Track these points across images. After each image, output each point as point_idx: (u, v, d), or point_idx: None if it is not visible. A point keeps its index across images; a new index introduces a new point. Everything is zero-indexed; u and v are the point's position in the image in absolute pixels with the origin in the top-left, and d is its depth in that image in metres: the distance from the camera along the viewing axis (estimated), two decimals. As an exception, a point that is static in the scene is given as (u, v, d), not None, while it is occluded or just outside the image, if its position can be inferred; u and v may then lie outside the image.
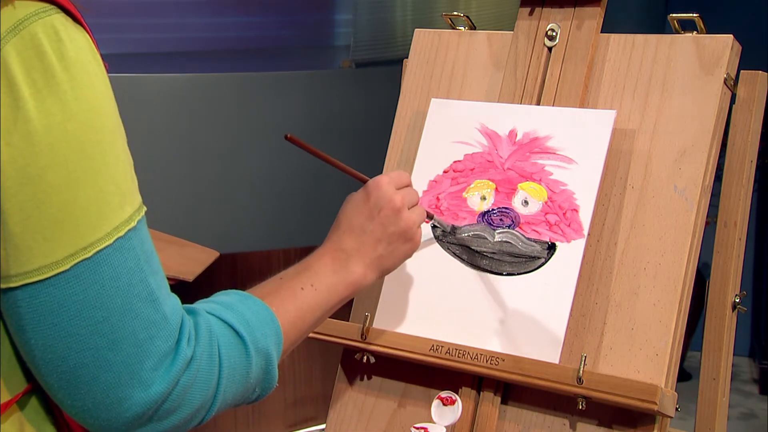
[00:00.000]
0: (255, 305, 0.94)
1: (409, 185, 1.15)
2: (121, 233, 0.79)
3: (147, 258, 0.82)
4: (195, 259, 1.52)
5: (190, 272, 1.45)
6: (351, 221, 1.09)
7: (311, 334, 1.33)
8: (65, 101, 0.76)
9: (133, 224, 0.80)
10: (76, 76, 0.77)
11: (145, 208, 0.84)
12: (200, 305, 0.92)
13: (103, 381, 0.79)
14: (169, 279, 1.41)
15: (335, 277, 1.06)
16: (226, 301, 0.93)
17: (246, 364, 0.89)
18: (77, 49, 0.78)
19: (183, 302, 0.88)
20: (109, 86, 0.82)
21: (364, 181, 1.13)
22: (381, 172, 1.41)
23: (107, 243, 0.78)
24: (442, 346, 1.24)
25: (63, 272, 0.77)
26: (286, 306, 0.99)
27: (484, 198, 1.28)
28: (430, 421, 1.23)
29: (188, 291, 0.97)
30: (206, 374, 0.85)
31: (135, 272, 0.80)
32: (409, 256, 1.14)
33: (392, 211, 1.09)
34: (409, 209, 1.12)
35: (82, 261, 0.77)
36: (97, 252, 0.77)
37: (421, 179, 1.33)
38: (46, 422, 0.85)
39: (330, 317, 1.32)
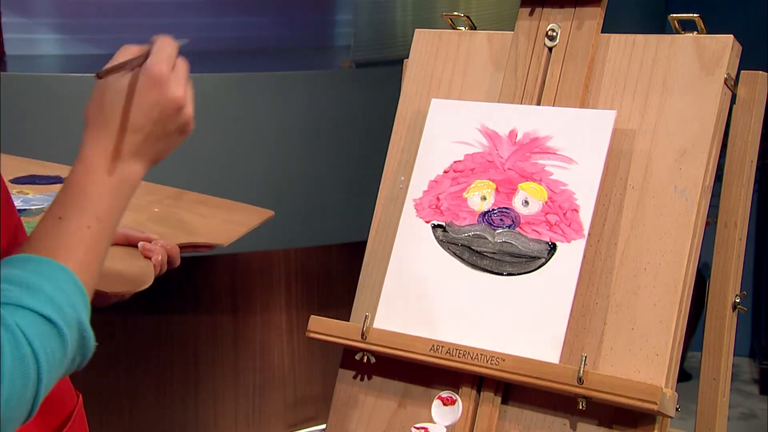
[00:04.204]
0: (52, 271, 0.86)
1: (176, 55, 1.00)
2: None
3: None
4: (240, 223, 1.44)
5: (225, 237, 1.38)
6: (127, 120, 0.97)
7: (311, 335, 1.33)
8: None
9: None
10: None
11: None
12: None
13: None
14: (200, 245, 1.37)
15: (116, 199, 0.96)
16: (18, 278, 0.83)
17: (63, 349, 0.82)
18: None
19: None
20: None
21: None
22: (381, 173, 1.41)
23: None
24: (442, 346, 1.24)
25: None
26: (77, 254, 0.90)
27: (484, 198, 1.29)
28: (431, 421, 1.23)
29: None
30: (20, 382, 0.77)
31: None
32: (181, 142, 1.03)
33: (175, 110, 0.98)
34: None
35: None
36: None
37: (421, 179, 1.33)
38: None
39: (330, 317, 1.33)
